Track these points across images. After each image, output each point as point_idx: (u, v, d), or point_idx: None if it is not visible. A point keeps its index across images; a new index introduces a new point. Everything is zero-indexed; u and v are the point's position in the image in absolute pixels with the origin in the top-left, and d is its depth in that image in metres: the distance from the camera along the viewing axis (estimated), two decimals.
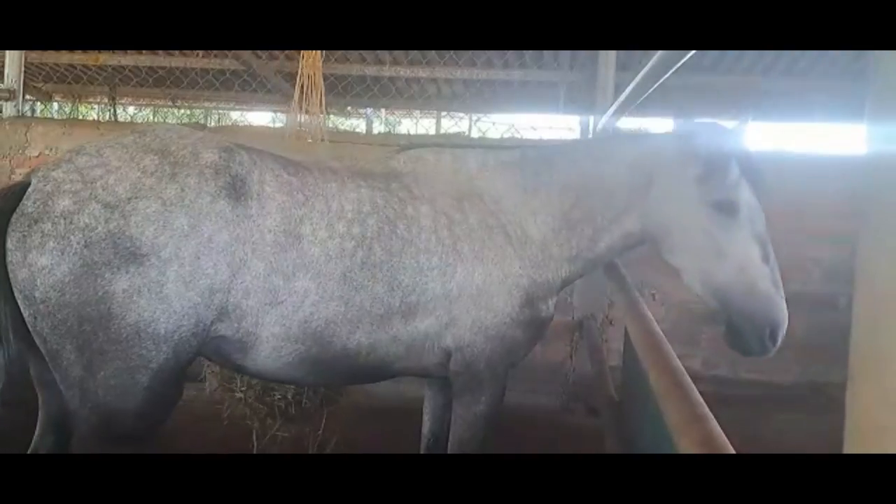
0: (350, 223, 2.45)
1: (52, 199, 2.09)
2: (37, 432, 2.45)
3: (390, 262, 2.48)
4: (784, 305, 2.53)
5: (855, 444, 0.72)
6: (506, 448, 2.82)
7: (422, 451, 3.13)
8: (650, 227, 2.71)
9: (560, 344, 4.48)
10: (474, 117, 11.89)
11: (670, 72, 2.47)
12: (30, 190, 2.14)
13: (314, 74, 4.31)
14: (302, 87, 4.34)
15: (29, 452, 2.42)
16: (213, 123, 10.21)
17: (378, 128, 12.16)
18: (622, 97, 3.43)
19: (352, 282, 2.42)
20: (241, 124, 12.01)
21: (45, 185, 2.13)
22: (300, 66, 4.36)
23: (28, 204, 2.11)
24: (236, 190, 2.27)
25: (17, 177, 4.86)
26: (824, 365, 4.42)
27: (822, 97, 7.01)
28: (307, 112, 4.36)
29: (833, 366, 4.44)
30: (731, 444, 1.19)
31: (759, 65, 6.30)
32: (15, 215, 2.11)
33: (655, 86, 2.77)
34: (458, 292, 2.57)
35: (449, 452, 2.84)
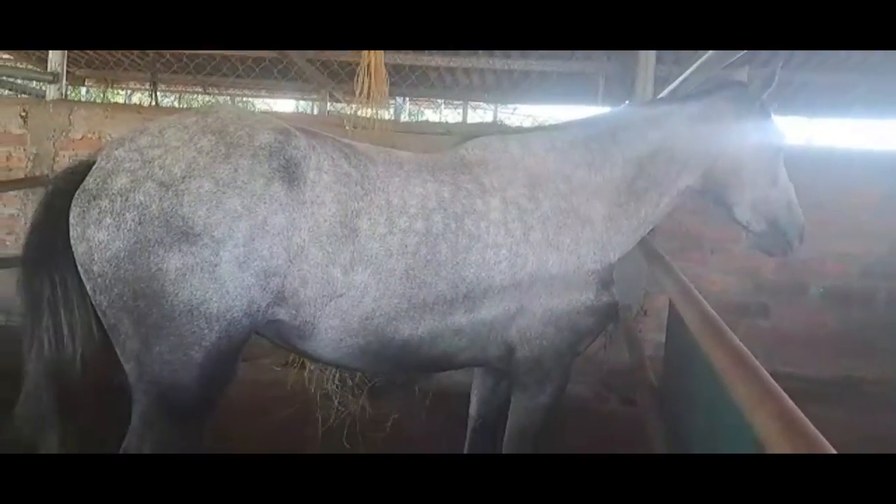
0: (413, 219, 2.41)
1: (111, 177, 2.12)
2: None
3: (455, 259, 2.44)
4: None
5: None
6: (541, 436, 2.86)
7: (468, 433, 3.15)
8: (715, 175, 2.93)
9: None
10: (499, 108, 11.89)
11: (720, 68, 2.51)
12: (93, 167, 2.19)
13: (376, 63, 4.33)
14: (363, 76, 4.37)
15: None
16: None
17: (404, 116, 12.18)
18: (668, 90, 3.44)
19: (415, 279, 2.39)
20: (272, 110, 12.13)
21: (106, 163, 2.16)
22: (363, 57, 4.37)
23: (90, 181, 2.15)
24: (290, 173, 2.24)
25: (61, 158, 4.95)
26: (860, 360, 4.40)
27: (858, 92, 6.95)
28: (369, 101, 4.39)
29: (869, 361, 4.43)
30: None
31: (793, 59, 6.25)
32: (78, 191, 2.15)
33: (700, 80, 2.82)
34: (529, 282, 2.55)
35: (507, 440, 2.83)
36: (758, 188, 2.92)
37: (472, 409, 3.15)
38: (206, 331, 2.15)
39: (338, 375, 4.15)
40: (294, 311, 2.31)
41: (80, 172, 2.19)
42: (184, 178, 2.12)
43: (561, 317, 2.62)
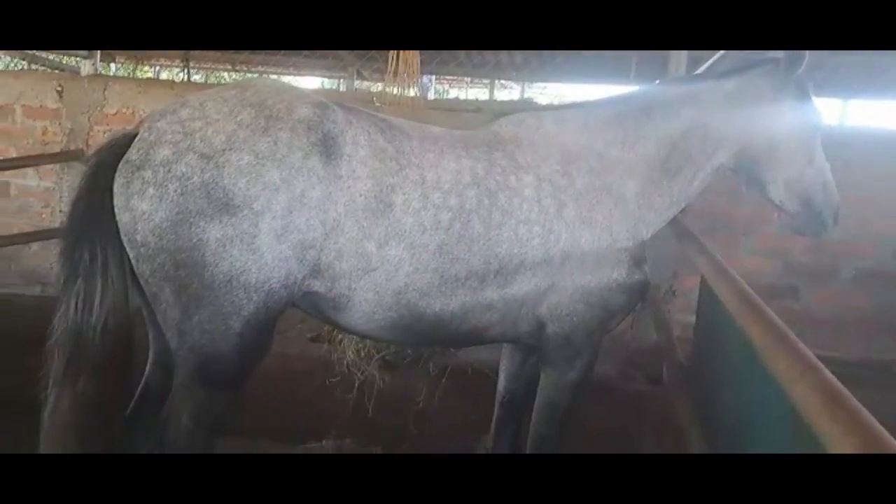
0: (447, 194, 2.42)
1: (153, 148, 2.15)
2: (147, 368, 2.56)
3: (488, 235, 2.46)
4: None
5: None
6: (567, 413, 2.88)
7: (496, 408, 3.18)
8: (749, 153, 2.89)
9: None
10: (527, 86, 11.81)
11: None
12: (136, 139, 2.22)
13: None
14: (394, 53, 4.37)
15: (140, 387, 2.54)
16: None
17: (430, 95, 12.14)
18: (703, 69, 3.41)
19: (448, 254, 2.41)
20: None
21: (149, 135, 2.20)
22: None
23: (133, 152, 2.19)
24: (327, 148, 2.26)
25: (95, 133, 5.02)
26: (892, 342, 4.36)
27: (894, 73, 6.82)
28: (399, 78, 4.40)
29: None
30: None
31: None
32: (122, 162, 2.19)
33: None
34: (561, 259, 2.56)
35: (535, 415, 2.86)
36: (793, 167, 2.87)
37: (500, 384, 3.18)
38: (244, 301, 2.19)
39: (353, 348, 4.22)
40: (329, 284, 2.34)
41: (123, 144, 2.23)
42: (224, 150, 2.15)
43: (592, 294, 2.63)
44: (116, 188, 2.17)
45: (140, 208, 2.13)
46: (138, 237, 2.15)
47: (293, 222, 2.20)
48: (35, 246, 5.00)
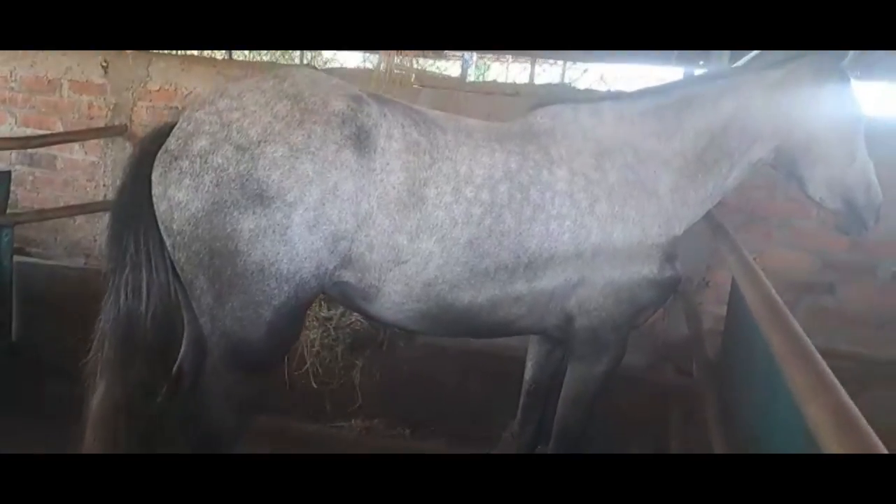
0: (479, 189, 2.43)
1: (191, 139, 2.20)
2: (182, 348, 2.65)
3: (519, 229, 2.47)
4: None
5: None
6: (595, 404, 2.90)
7: (521, 397, 3.22)
8: (788, 148, 2.83)
9: None
10: (569, 66, 11.64)
11: None
12: (175, 129, 2.28)
13: None
14: None
15: (175, 367, 2.63)
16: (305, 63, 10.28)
17: (471, 73, 12.04)
18: (746, 58, 3.36)
19: (478, 248, 2.43)
20: (332, 66, 12.10)
21: (187, 125, 2.25)
22: None
23: (171, 141, 2.24)
24: (361, 141, 2.29)
25: (139, 108, 5.12)
26: None
27: None
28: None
29: None
30: None
31: None
32: (160, 151, 2.25)
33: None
34: (592, 254, 2.57)
35: (560, 407, 2.89)
36: (834, 165, 2.82)
37: (527, 373, 3.21)
38: (275, 290, 2.24)
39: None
40: (360, 275, 2.38)
41: (164, 134, 2.29)
42: (259, 142, 2.19)
43: (622, 289, 2.64)
44: (155, 177, 2.23)
45: (177, 198, 2.19)
46: (174, 226, 2.21)
47: (325, 214, 2.23)
48: (80, 219, 5.14)
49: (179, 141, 2.23)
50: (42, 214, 4.92)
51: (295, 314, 2.35)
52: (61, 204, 5.10)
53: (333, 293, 2.51)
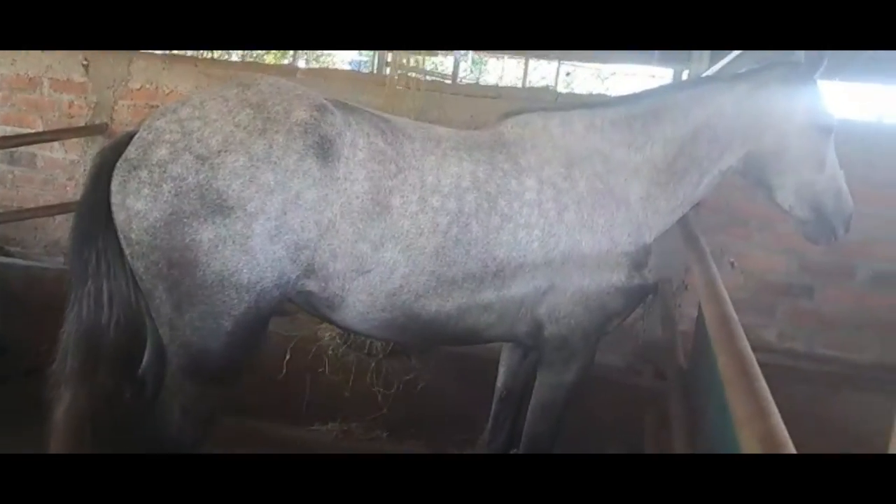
0: (445, 198, 2.43)
1: (151, 148, 2.19)
2: (145, 359, 2.64)
3: (486, 238, 2.47)
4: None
5: None
6: (566, 409, 2.90)
7: (494, 403, 3.22)
8: (758, 156, 2.86)
9: None
10: (562, 61, 11.68)
11: None
12: (135, 137, 2.26)
13: None
14: None
15: (139, 376, 2.62)
16: (303, 64, 10.25)
17: (464, 68, 12.05)
18: (728, 58, 3.37)
19: (445, 257, 2.43)
20: (329, 67, 12.06)
21: (147, 134, 2.23)
22: None
23: (131, 150, 2.22)
24: (324, 150, 2.27)
25: (120, 107, 5.10)
26: None
27: None
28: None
29: None
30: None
31: None
32: (120, 160, 2.23)
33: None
34: (561, 262, 2.57)
35: (529, 415, 2.90)
36: (802, 173, 2.84)
37: (499, 380, 3.21)
38: (235, 300, 2.23)
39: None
40: (323, 284, 2.38)
41: (125, 143, 2.27)
42: (220, 151, 2.17)
43: (591, 297, 2.64)
44: (114, 186, 2.22)
45: (135, 207, 2.17)
46: (133, 235, 2.20)
47: (287, 223, 2.22)
48: (59, 218, 5.12)
49: (139, 150, 2.21)
50: (21, 214, 4.90)
51: (256, 324, 2.34)
52: (41, 202, 5.09)
53: (299, 301, 2.50)
